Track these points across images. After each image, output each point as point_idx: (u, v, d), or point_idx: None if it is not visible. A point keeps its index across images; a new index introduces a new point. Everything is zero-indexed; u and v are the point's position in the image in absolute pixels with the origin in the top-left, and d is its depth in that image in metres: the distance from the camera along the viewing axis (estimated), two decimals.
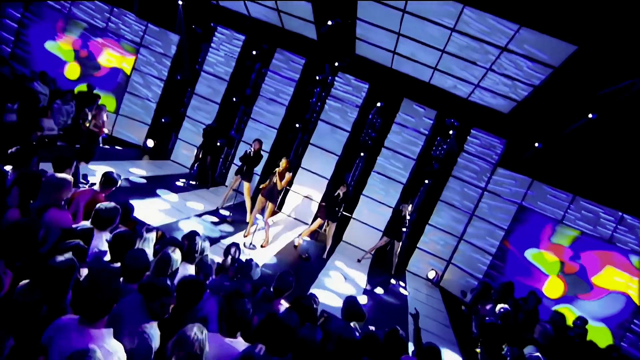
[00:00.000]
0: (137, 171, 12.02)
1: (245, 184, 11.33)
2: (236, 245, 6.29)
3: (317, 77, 13.65)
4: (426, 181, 13.12)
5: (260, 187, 10.49)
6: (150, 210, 9.60)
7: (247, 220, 11.32)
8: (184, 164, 14.45)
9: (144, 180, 11.51)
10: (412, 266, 13.21)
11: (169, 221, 9.39)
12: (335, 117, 13.52)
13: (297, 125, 13.85)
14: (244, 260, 6.05)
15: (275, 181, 10.06)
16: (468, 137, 12.79)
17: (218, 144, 13.79)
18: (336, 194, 11.26)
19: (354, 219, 13.50)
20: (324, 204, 11.69)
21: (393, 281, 11.74)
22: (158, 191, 11.11)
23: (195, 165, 13.64)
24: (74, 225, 4.86)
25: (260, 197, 10.25)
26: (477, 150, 12.76)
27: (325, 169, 13.54)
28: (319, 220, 11.39)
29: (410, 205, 11.71)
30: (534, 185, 11.89)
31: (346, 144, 13.51)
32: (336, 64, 13.12)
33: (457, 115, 12.90)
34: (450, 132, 12.88)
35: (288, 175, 10.14)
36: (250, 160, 10.89)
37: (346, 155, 13.69)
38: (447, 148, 13.05)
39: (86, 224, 4.91)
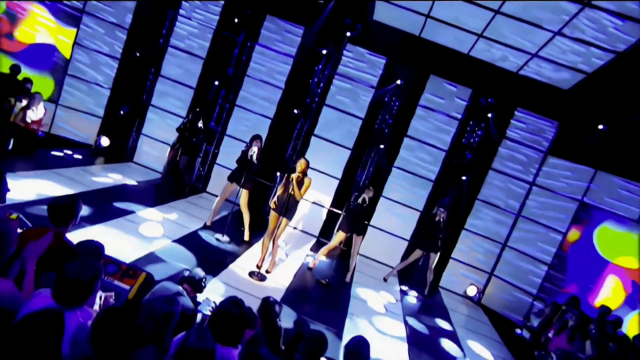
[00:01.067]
0: (90, 180, 8.87)
1: (244, 193, 8.51)
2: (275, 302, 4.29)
3: (321, 51, 10.85)
4: (463, 177, 10.69)
5: (271, 201, 7.76)
6: (120, 239, 6.71)
7: (246, 239, 8.72)
8: (150, 167, 11.31)
9: (101, 194, 8.40)
10: (446, 281, 10.84)
11: (146, 251, 6.69)
12: (345, 101, 10.79)
13: (296, 111, 11.02)
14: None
15: (291, 190, 7.32)
16: (512, 121, 10.44)
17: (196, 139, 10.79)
18: (360, 199, 8.66)
19: (371, 226, 10.94)
20: (346, 213, 9.04)
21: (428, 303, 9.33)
22: (122, 207, 8.08)
23: (168, 168, 10.59)
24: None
25: (273, 214, 7.62)
26: (522, 137, 10.44)
27: (334, 167, 10.84)
28: (340, 234, 8.76)
29: (443, 210, 9.28)
30: (599, 176, 9.73)
31: (360, 135, 10.86)
32: (348, 33, 10.37)
33: (499, 94, 10.48)
34: (489, 114, 10.48)
35: (307, 181, 7.49)
36: (249, 163, 8.12)
37: (360, 148, 11.03)
38: (485, 135, 10.66)
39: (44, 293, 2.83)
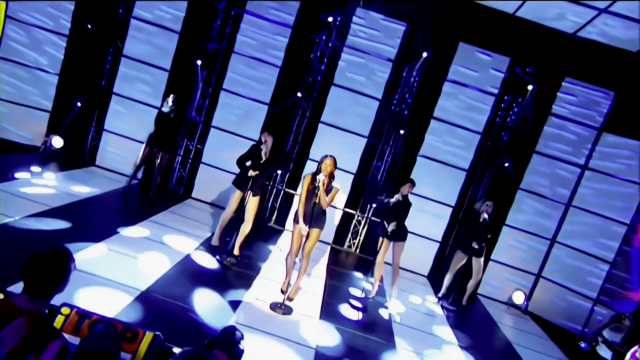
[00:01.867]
0: (40, 194, 6.65)
1: (253, 201, 6.53)
2: None
3: (325, 19, 8.78)
4: (506, 164, 8.92)
5: (296, 210, 5.90)
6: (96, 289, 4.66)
7: (235, 252, 6.68)
8: (118, 171, 9.06)
9: (58, 215, 6.20)
10: (485, 286, 9.15)
11: (133, 292, 4.81)
12: (357, 78, 8.83)
13: (299, 94, 8.96)
14: None
15: (316, 199, 5.59)
16: (558, 94, 8.72)
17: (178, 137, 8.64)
18: (395, 198, 6.85)
19: None
20: (383, 215, 7.15)
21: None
22: (90, 229, 5.98)
23: (140, 170, 8.40)
24: None
25: (298, 227, 5.78)
26: (572, 112, 8.74)
27: (346, 159, 8.88)
28: (385, 243, 6.94)
29: (489, 204, 7.51)
30: None
31: (377, 119, 8.93)
32: None
33: (544, 62, 8.71)
34: (530, 87, 8.70)
35: (334, 192, 5.75)
36: (261, 164, 6.21)
37: (377, 135, 9.11)
38: (525, 112, 8.91)
39: None
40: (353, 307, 6.47)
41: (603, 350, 7.75)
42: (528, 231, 8.99)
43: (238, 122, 8.89)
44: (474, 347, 6.56)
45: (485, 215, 7.41)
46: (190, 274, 5.75)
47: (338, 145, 8.86)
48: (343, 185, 8.81)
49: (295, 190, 9.19)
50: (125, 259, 5.58)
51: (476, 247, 7.55)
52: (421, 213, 8.95)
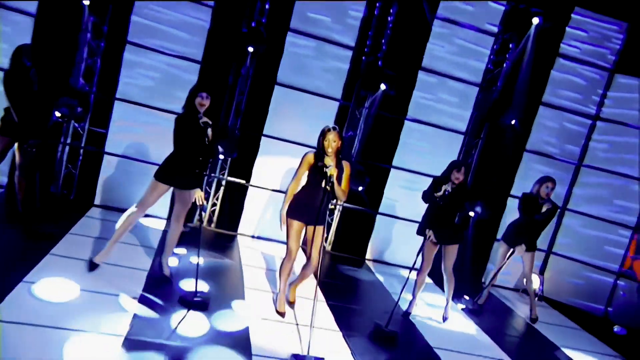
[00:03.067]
0: None
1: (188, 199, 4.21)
2: None
3: None
4: (512, 122, 7.10)
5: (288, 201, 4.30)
6: None
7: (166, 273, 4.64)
8: None
9: None
10: (490, 271, 7.52)
11: None
12: (322, 20, 6.40)
13: (251, 49, 6.28)
14: None
15: (327, 184, 4.04)
16: (567, 28, 7.03)
17: (58, 114, 5.62)
18: (443, 190, 4.83)
19: (383, 215, 7.06)
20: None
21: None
22: None
23: None
24: None
25: (296, 225, 4.31)
26: (583, 51, 7.15)
27: (313, 131, 6.57)
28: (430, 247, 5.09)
29: (549, 185, 5.75)
30: None
31: (351, 75, 6.63)
32: None
33: None
34: (535, 20, 6.85)
35: (347, 167, 4.31)
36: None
37: (352, 96, 6.80)
38: (530, 52, 7.10)
39: None
40: None
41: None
42: None
43: (155, 89, 6.12)
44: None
45: (544, 198, 5.65)
46: (154, 342, 3.22)
47: (302, 115, 6.51)
48: None
49: (248, 179, 6.71)
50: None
51: (525, 238, 5.77)
52: (410, 192, 6.99)
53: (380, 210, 7.10)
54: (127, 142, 6.26)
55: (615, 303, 7.31)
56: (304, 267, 4.47)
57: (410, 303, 5.29)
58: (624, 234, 7.26)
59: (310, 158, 4.19)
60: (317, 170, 4.13)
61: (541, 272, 7.54)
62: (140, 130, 6.23)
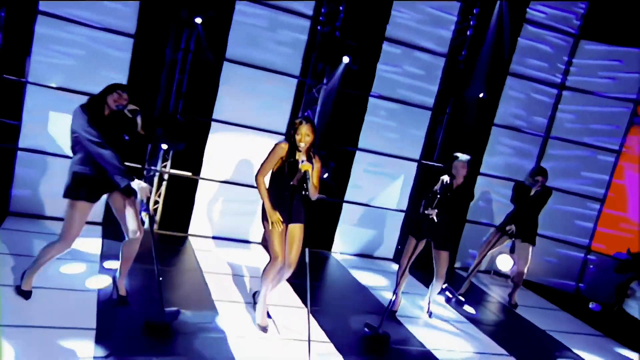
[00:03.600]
0: None
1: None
2: None
3: None
4: (480, 95, 6.59)
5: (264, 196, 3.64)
6: None
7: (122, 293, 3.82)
8: None
9: None
10: (462, 255, 7.12)
11: None
12: None
13: (199, 20, 5.28)
14: None
15: (295, 181, 3.68)
16: None
17: None
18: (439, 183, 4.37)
19: (346, 202, 6.41)
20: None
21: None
22: None
23: None
24: None
25: (275, 229, 3.69)
26: (547, 16, 6.73)
27: (273, 114, 5.77)
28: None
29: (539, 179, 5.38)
30: None
31: (308, 47, 5.85)
32: None
33: None
34: None
35: (317, 164, 3.71)
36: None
37: (313, 72, 6.02)
38: (495, 19, 6.58)
39: None
40: None
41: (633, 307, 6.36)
42: (504, 177, 7.04)
43: (78, 71, 5.08)
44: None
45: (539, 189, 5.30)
46: None
47: (257, 96, 5.68)
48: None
49: (197, 171, 5.81)
50: None
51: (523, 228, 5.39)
52: (377, 176, 6.40)
53: (347, 197, 6.47)
54: (45, 135, 5.18)
55: (585, 279, 7.16)
56: (278, 271, 3.78)
57: (394, 302, 4.72)
58: (593, 207, 7.08)
59: (284, 150, 3.63)
60: (289, 164, 3.62)
61: (511, 251, 7.25)
62: (61, 120, 5.17)
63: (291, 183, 3.62)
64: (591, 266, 7.12)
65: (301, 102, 5.95)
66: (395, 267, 6.20)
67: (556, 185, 7.06)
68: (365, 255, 6.67)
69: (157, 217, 5.88)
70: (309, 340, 3.23)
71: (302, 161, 3.48)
